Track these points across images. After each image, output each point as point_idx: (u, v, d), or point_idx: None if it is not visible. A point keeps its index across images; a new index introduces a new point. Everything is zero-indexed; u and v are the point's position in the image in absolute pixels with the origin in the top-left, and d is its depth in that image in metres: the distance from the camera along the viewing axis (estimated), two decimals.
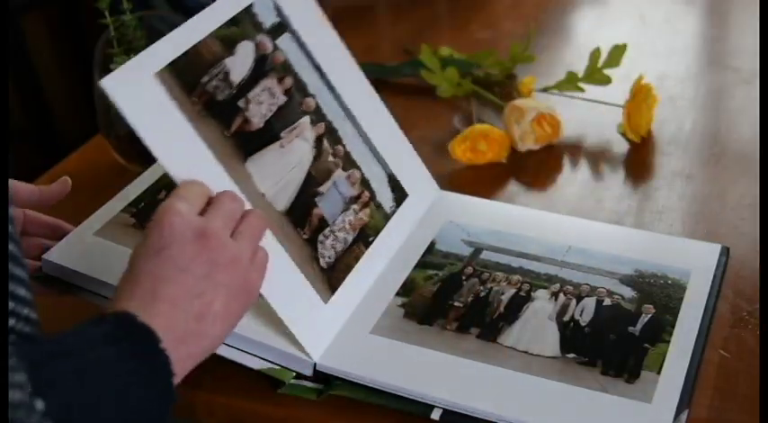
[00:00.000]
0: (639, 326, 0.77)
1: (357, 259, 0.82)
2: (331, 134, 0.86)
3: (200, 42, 0.76)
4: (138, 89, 0.71)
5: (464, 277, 0.83)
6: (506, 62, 1.21)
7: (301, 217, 0.80)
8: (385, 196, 0.87)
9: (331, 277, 0.79)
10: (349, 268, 0.81)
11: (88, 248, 0.82)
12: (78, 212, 0.87)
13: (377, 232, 0.85)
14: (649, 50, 1.26)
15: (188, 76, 0.75)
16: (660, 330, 0.76)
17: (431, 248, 0.86)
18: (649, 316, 0.78)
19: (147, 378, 0.58)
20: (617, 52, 1.10)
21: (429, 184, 0.93)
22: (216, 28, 0.78)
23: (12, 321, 0.57)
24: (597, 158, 1.05)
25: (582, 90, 1.12)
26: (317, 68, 0.87)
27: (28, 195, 0.82)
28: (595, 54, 1.10)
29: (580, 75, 1.12)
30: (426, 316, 0.79)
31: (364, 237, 0.84)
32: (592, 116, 1.12)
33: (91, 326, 0.59)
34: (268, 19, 0.84)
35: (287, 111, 0.83)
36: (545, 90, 1.15)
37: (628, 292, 0.80)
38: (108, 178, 1.04)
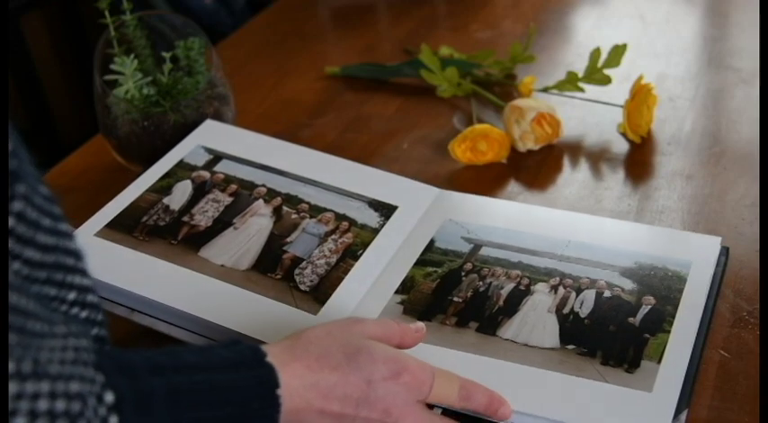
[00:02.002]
0: (639, 317, 0.77)
1: (346, 272, 0.82)
2: (290, 201, 0.90)
3: (136, 199, 0.89)
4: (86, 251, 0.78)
5: (463, 273, 0.83)
6: (506, 62, 1.21)
7: (271, 264, 0.83)
8: (369, 217, 0.88)
9: (317, 294, 0.80)
10: (339, 281, 0.81)
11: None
12: (78, 213, 0.87)
13: (365, 246, 0.85)
14: (649, 50, 1.26)
15: (127, 222, 0.87)
16: (660, 321, 0.76)
17: (430, 246, 0.86)
18: (649, 307, 0.78)
19: (256, 410, 0.59)
20: (617, 52, 1.10)
21: (419, 190, 0.92)
22: (149, 186, 0.91)
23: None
24: (597, 158, 1.05)
25: (582, 90, 1.12)
26: (260, 167, 0.93)
27: None
28: (595, 54, 1.10)
29: (580, 75, 1.12)
30: (425, 312, 0.79)
31: (351, 253, 0.84)
32: (592, 116, 1.12)
33: (222, 347, 0.61)
34: (201, 160, 0.94)
35: (236, 205, 0.89)
36: (545, 90, 1.15)
37: (628, 284, 0.80)
38: (108, 178, 1.04)
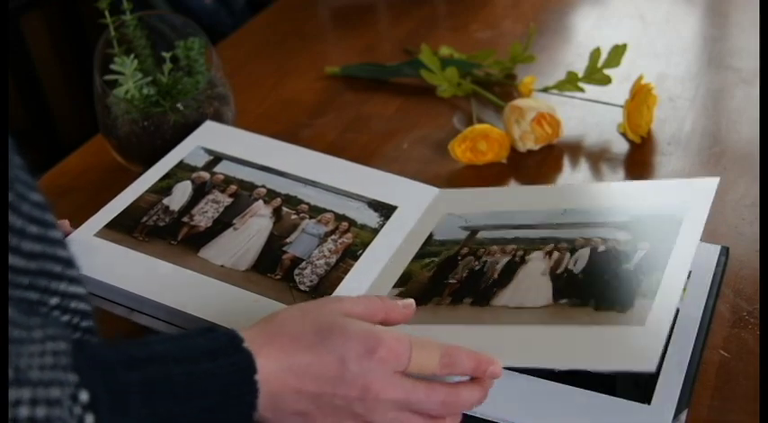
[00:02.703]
0: (634, 262, 0.76)
1: (346, 272, 0.82)
2: (290, 201, 0.90)
3: (136, 199, 0.89)
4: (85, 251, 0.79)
5: (459, 258, 0.83)
6: (506, 62, 1.21)
7: (270, 265, 0.83)
8: (369, 217, 0.88)
9: (317, 295, 0.80)
10: (338, 281, 0.81)
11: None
12: (78, 213, 0.87)
13: (365, 246, 0.85)
14: (649, 50, 1.26)
15: (127, 223, 0.87)
16: (655, 262, 0.75)
17: (428, 240, 0.86)
18: (644, 252, 0.76)
19: (234, 397, 0.59)
20: (617, 52, 1.10)
21: (419, 190, 0.92)
22: (149, 186, 0.91)
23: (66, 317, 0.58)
24: (597, 158, 1.05)
25: (582, 90, 1.12)
26: (260, 167, 0.93)
27: None
28: (595, 54, 1.10)
29: (580, 75, 1.12)
30: (421, 298, 0.79)
31: (350, 253, 0.84)
32: (592, 116, 1.12)
33: (197, 335, 0.60)
34: (201, 161, 0.94)
35: (236, 206, 0.89)
36: (545, 90, 1.15)
37: (623, 236, 0.79)
38: (108, 178, 1.04)
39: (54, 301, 0.57)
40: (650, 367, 0.64)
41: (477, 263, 0.82)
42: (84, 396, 0.51)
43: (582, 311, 0.72)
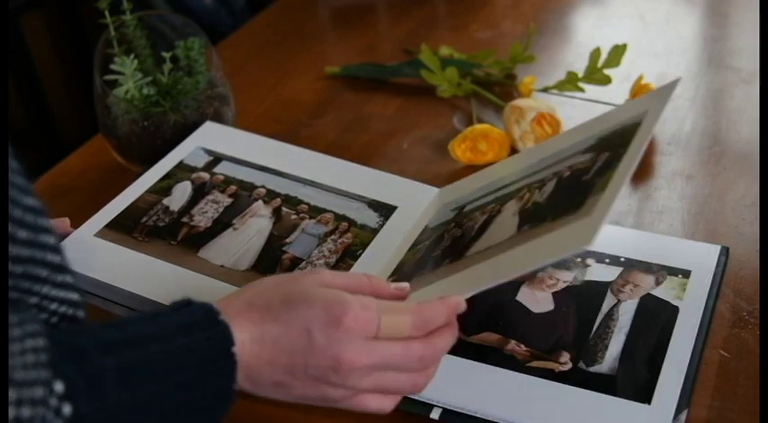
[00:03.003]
0: (593, 171, 0.75)
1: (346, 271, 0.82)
2: (289, 202, 0.90)
3: (136, 199, 0.89)
4: (85, 251, 0.82)
5: (446, 234, 0.83)
6: (506, 62, 1.21)
7: (270, 265, 0.83)
8: (368, 217, 0.88)
9: None
10: None
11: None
12: (78, 213, 0.87)
13: (365, 246, 0.85)
14: (649, 50, 1.26)
15: (127, 223, 0.87)
16: (610, 165, 0.74)
17: (423, 231, 0.86)
18: (602, 161, 0.75)
19: (211, 372, 0.59)
20: (617, 52, 1.10)
21: (419, 190, 0.92)
22: (149, 187, 0.91)
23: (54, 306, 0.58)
24: None
25: (582, 90, 1.12)
26: (260, 168, 0.94)
27: None
28: (595, 54, 1.10)
29: (580, 75, 1.12)
30: (409, 276, 0.79)
31: (350, 253, 0.84)
32: (592, 116, 1.11)
33: (172, 312, 0.60)
34: (201, 162, 0.94)
35: (236, 206, 0.89)
36: (545, 90, 1.15)
37: (587, 156, 0.78)
38: (108, 178, 1.04)
39: (34, 300, 0.56)
40: (587, 245, 0.64)
41: (458, 230, 0.81)
42: (59, 386, 0.51)
43: (541, 228, 0.72)
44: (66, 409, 0.51)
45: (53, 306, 0.58)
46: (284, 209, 0.89)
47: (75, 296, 0.59)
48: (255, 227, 0.87)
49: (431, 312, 0.64)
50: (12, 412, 0.47)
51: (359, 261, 0.83)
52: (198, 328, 0.59)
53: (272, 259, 0.83)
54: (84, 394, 0.52)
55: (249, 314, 0.62)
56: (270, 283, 0.65)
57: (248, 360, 0.61)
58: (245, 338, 0.61)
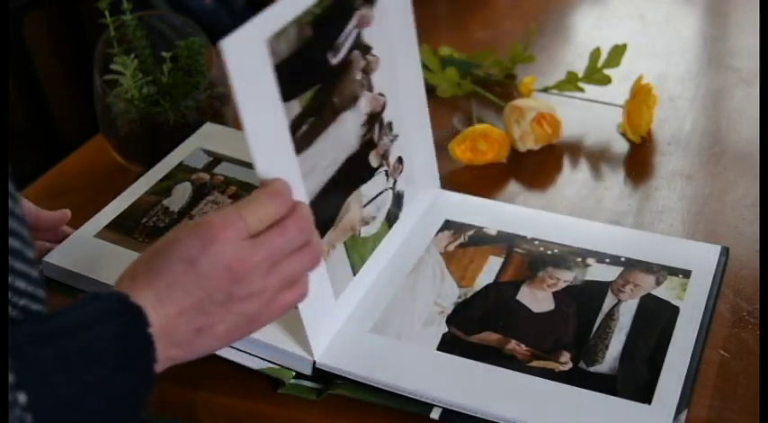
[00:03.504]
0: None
1: None
2: None
3: (136, 200, 0.90)
4: (85, 251, 0.81)
5: None
6: (506, 62, 1.21)
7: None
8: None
9: None
10: None
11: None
12: (78, 213, 0.87)
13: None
14: (649, 50, 1.26)
15: (127, 224, 0.87)
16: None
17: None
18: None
19: (131, 358, 0.59)
20: (617, 52, 1.10)
21: (433, 181, 0.92)
22: (149, 188, 0.91)
23: (13, 313, 0.58)
24: (597, 158, 1.05)
25: (582, 90, 1.12)
26: None
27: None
28: (595, 54, 1.10)
29: (580, 75, 1.12)
30: None
31: None
32: (592, 116, 1.12)
33: (87, 304, 0.59)
34: (201, 163, 0.94)
35: None
36: (545, 90, 1.15)
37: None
38: (108, 178, 1.04)
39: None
40: None
41: None
42: (11, 378, 0.52)
43: None
44: (22, 398, 0.52)
45: (22, 302, 0.58)
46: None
47: (41, 293, 0.59)
48: None
49: (277, 184, 0.66)
50: None
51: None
52: (109, 316, 0.59)
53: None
54: (34, 386, 0.53)
55: (140, 282, 0.62)
56: (146, 251, 0.65)
57: (162, 322, 0.61)
58: (148, 305, 0.61)
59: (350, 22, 0.74)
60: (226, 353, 0.74)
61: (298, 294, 0.67)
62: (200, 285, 0.62)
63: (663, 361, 0.73)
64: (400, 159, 0.85)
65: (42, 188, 1.05)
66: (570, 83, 1.12)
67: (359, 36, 0.76)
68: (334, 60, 0.73)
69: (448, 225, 0.89)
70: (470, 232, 0.88)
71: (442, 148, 1.06)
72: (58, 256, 0.82)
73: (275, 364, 0.75)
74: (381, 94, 0.80)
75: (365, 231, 0.81)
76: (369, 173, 0.80)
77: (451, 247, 0.87)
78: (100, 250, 0.83)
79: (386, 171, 0.83)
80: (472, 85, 1.17)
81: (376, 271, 0.82)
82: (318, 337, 0.74)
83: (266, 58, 0.65)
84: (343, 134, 0.75)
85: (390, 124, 0.82)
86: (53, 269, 0.81)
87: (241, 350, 0.75)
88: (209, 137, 0.98)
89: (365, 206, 0.80)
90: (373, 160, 0.80)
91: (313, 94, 0.71)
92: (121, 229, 0.86)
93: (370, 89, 0.78)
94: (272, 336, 0.74)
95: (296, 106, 0.69)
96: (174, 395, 0.76)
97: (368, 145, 0.79)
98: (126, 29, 1.01)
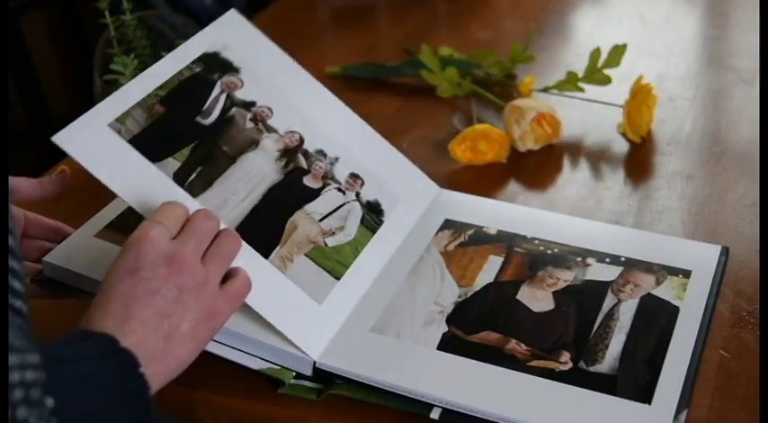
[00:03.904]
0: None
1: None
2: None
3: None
4: (86, 251, 0.82)
5: None
6: (506, 62, 1.21)
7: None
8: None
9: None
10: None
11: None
12: (78, 213, 0.87)
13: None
14: (649, 50, 1.26)
15: (127, 224, 0.85)
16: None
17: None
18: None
19: (128, 401, 0.60)
20: (617, 52, 1.10)
21: (424, 184, 0.92)
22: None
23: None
24: (597, 158, 1.05)
25: (582, 90, 1.12)
26: None
27: (30, 190, 0.82)
28: (595, 54, 1.10)
29: (580, 75, 1.12)
30: None
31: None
32: (592, 116, 1.12)
33: (76, 342, 0.61)
34: None
35: None
36: (545, 90, 1.15)
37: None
38: None
39: None
40: None
41: None
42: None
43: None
44: (49, 401, 0.51)
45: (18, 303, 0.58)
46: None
47: (18, 285, 0.59)
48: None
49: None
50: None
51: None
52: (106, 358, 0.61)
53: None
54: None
55: (91, 320, 0.64)
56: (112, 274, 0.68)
57: (130, 342, 0.62)
58: (114, 327, 0.62)
59: (213, 91, 0.84)
60: (226, 353, 0.74)
61: (242, 282, 0.71)
62: (149, 289, 0.64)
63: (663, 361, 0.73)
64: (354, 175, 0.87)
65: None
66: (570, 83, 1.12)
67: (231, 97, 0.85)
68: (207, 122, 0.83)
69: (448, 224, 0.89)
70: (470, 232, 0.88)
71: (442, 148, 1.06)
72: (58, 256, 0.81)
73: (275, 364, 0.75)
74: (292, 132, 0.86)
75: (334, 241, 0.83)
76: (311, 194, 0.84)
77: (451, 247, 0.87)
78: (100, 250, 0.83)
79: (337, 188, 0.85)
80: (472, 85, 1.17)
81: (371, 271, 0.82)
82: (309, 340, 0.75)
83: (115, 137, 0.76)
84: (253, 170, 0.82)
85: (321, 151, 0.87)
86: (53, 269, 0.81)
87: (241, 350, 0.75)
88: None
89: (321, 220, 0.83)
90: (312, 183, 0.85)
91: (191, 150, 0.80)
92: (121, 229, 0.86)
93: (273, 131, 0.86)
94: (272, 336, 0.74)
95: (172, 163, 0.78)
96: (174, 395, 0.75)
97: (297, 172, 0.85)
98: (126, 29, 1.01)
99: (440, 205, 0.91)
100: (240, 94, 0.86)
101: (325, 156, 0.87)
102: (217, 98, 0.85)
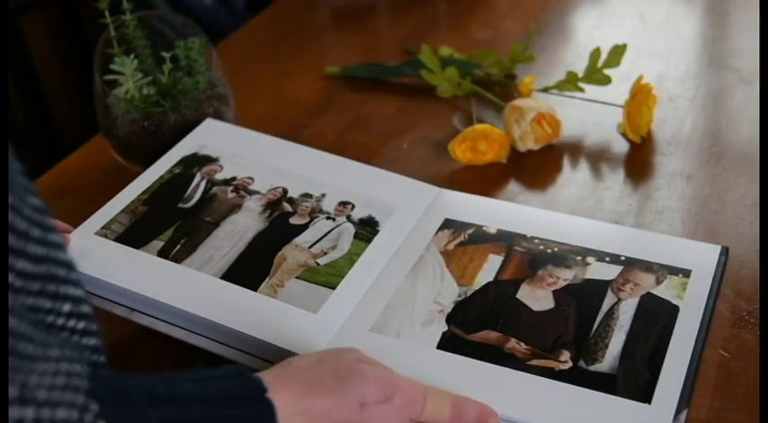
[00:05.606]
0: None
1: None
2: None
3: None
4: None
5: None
6: (506, 62, 1.21)
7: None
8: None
9: None
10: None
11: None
12: (78, 212, 0.88)
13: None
14: (649, 50, 1.26)
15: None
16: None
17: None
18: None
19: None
20: (617, 52, 1.10)
21: (419, 189, 0.92)
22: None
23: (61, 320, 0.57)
24: (597, 158, 1.05)
25: (582, 90, 1.12)
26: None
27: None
28: (595, 54, 1.10)
29: (580, 75, 1.12)
30: None
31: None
32: (592, 116, 1.12)
33: (223, 378, 0.60)
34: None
35: None
36: (545, 90, 1.15)
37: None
38: (108, 178, 1.04)
39: (67, 307, 0.56)
40: None
41: None
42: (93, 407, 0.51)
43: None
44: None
45: (84, 308, 0.58)
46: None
47: (80, 293, 0.59)
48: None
49: (468, 405, 0.68)
50: None
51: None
52: (244, 403, 0.59)
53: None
54: None
55: (296, 387, 0.62)
56: (312, 358, 0.65)
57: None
58: (290, 411, 0.60)
59: (193, 181, 0.91)
60: (227, 353, 0.74)
61: None
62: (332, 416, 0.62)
63: (663, 360, 0.73)
64: (343, 202, 0.89)
65: (42, 188, 1.04)
66: (570, 83, 1.12)
67: (212, 181, 0.91)
68: (189, 205, 0.88)
69: (447, 224, 0.89)
70: (470, 231, 0.88)
71: (442, 148, 1.06)
72: None
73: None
74: (275, 188, 0.90)
75: (327, 259, 0.83)
76: (298, 229, 0.86)
77: (451, 246, 0.87)
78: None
79: (327, 217, 0.87)
80: (472, 85, 1.17)
81: (369, 275, 0.82)
82: (309, 347, 0.75)
83: (100, 240, 0.84)
84: (237, 228, 0.86)
85: (306, 193, 0.90)
86: None
87: (242, 350, 0.75)
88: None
89: (311, 247, 0.84)
90: (299, 220, 0.87)
91: (174, 229, 0.85)
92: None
93: (255, 193, 0.90)
94: (272, 336, 0.74)
95: (156, 244, 0.83)
96: None
97: (283, 216, 0.87)
98: (126, 29, 1.01)
99: (439, 205, 0.91)
100: (220, 176, 0.92)
101: (311, 196, 0.89)
102: (197, 185, 0.91)
